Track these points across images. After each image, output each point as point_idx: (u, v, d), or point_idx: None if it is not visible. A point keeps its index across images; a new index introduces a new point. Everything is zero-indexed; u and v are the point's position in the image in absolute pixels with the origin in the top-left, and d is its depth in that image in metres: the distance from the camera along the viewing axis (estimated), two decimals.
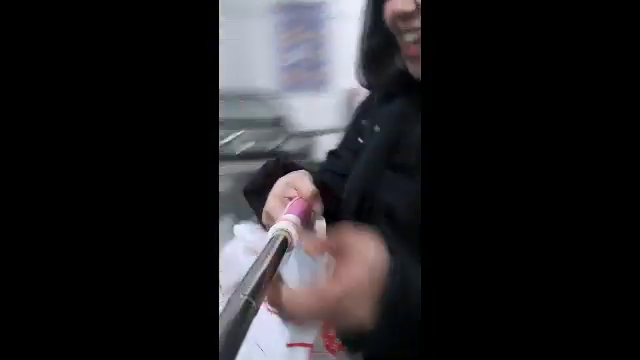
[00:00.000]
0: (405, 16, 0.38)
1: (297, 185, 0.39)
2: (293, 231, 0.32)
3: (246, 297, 0.22)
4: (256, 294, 0.23)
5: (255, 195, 0.46)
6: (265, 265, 0.26)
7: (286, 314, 0.26)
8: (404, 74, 0.43)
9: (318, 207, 0.38)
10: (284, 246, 0.30)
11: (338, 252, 0.29)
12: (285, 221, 0.33)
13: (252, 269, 0.25)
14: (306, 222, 0.36)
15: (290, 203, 0.37)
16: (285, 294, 0.26)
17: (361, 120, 0.53)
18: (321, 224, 0.40)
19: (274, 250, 0.29)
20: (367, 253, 0.29)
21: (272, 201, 0.39)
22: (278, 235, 0.31)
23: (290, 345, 0.37)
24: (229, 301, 0.22)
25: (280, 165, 0.45)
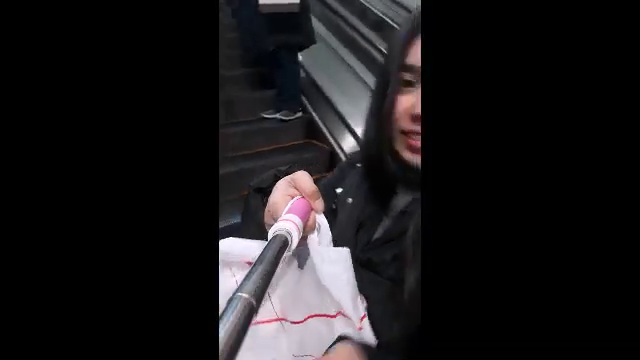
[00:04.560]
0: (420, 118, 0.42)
1: (298, 183, 0.40)
2: (294, 231, 0.32)
3: (246, 297, 0.22)
4: (256, 294, 0.23)
5: (259, 194, 0.48)
6: (265, 265, 0.26)
7: None
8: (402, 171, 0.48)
9: (319, 206, 0.39)
10: (284, 246, 0.30)
11: None
12: (286, 221, 0.33)
13: (252, 269, 0.25)
14: (306, 221, 0.36)
15: (291, 203, 0.37)
16: None
17: (335, 188, 0.57)
18: (323, 222, 0.40)
19: (274, 250, 0.29)
20: None
21: (275, 196, 0.40)
22: (278, 235, 0.31)
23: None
24: (229, 301, 0.22)
25: (290, 173, 0.46)
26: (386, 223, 0.49)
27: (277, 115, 2.61)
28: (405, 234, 0.43)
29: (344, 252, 0.39)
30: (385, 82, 0.47)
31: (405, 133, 0.46)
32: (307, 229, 0.37)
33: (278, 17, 2.29)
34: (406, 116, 0.45)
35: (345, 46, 2.57)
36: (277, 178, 0.43)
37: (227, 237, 0.41)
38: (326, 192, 0.54)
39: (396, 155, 0.48)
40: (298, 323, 0.38)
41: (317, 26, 2.73)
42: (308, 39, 2.51)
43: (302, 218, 0.35)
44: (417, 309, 0.29)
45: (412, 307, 0.34)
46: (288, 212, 0.35)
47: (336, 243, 0.41)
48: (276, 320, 0.39)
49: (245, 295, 0.22)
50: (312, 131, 2.67)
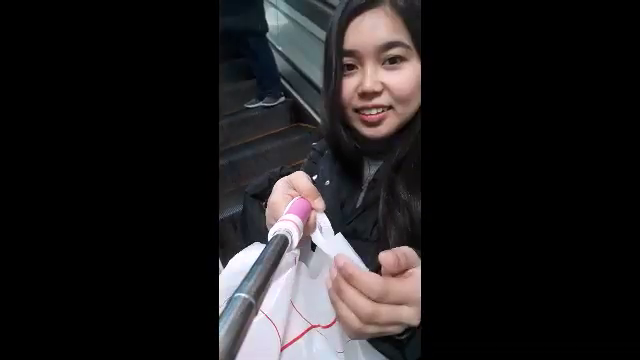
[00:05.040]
0: (372, 95, 0.45)
1: (295, 183, 0.41)
2: (294, 231, 0.32)
3: (246, 297, 0.22)
4: (256, 294, 0.23)
5: (256, 198, 0.50)
6: (265, 265, 0.26)
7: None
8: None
9: (319, 205, 0.40)
10: (284, 246, 0.30)
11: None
12: (286, 221, 0.33)
13: (252, 269, 0.25)
14: (307, 221, 0.37)
15: (291, 203, 0.38)
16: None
17: (311, 177, 0.59)
18: (323, 220, 0.40)
19: (274, 250, 0.29)
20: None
21: (274, 197, 0.41)
22: (279, 235, 0.31)
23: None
24: (229, 301, 0.22)
25: (283, 174, 0.47)
26: (362, 194, 0.52)
27: (260, 103, 2.60)
28: (379, 199, 0.46)
29: (339, 238, 0.39)
30: (329, 67, 0.48)
31: (357, 110, 0.48)
32: (307, 229, 0.38)
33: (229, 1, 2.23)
34: (355, 95, 0.47)
35: (321, 27, 2.54)
36: (272, 181, 0.44)
37: (226, 228, 0.41)
38: None
39: (354, 132, 0.51)
40: (329, 326, 0.39)
41: (293, 13, 2.70)
42: (262, 24, 2.45)
43: (302, 218, 0.35)
44: None
45: None
46: (288, 212, 0.36)
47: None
48: (309, 329, 0.40)
49: (245, 295, 0.22)
50: (298, 114, 2.65)
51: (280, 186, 0.42)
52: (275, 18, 2.87)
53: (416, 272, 0.32)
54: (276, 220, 0.35)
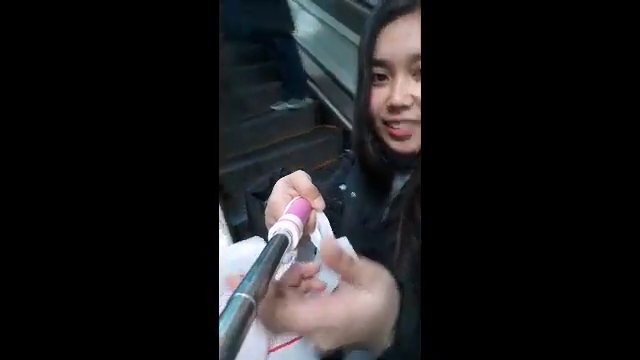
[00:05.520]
0: (402, 108, 0.43)
1: (295, 182, 0.40)
2: (294, 231, 0.32)
3: (246, 297, 0.22)
4: (256, 294, 0.23)
5: (257, 198, 0.50)
6: (265, 265, 0.26)
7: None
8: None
9: (318, 204, 0.39)
10: (284, 246, 0.30)
11: (352, 276, 0.28)
12: (286, 221, 0.33)
13: (252, 269, 0.25)
14: (307, 221, 0.37)
15: (291, 202, 0.38)
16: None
17: (339, 185, 0.57)
18: (323, 221, 0.40)
19: (274, 250, 0.28)
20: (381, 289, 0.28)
21: (274, 197, 0.40)
22: (279, 235, 0.31)
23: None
24: (229, 301, 0.22)
25: (284, 175, 0.46)
26: (387, 209, 0.50)
27: (286, 104, 2.59)
28: (399, 219, 0.44)
29: (344, 242, 0.39)
30: (360, 77, 0.47)
31: (386, 123, 0.46)
32: (307, 229, 0.37)
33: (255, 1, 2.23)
34: (384, 107, 0.45)
35: (353, 30, 2.51)
36: (273, 181, 0.44)
37: (246, 232, 0.42)
38: (333, 190, 0.57)
39: (383, 144, 0.49)
40: None
41: (322, 14, 2.68)
42: (288, 24, 2.43)
43: (302, 218, 0.35)
44: (407, 301, 0.29)
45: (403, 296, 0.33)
46: (288, 212, 0.35)
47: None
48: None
49: (245, 295, 0.22)
50: (324, 116, 2.64)
51: (280, 186, 0.41)
52: (305, 21, 2.85)
53: (348, 294, 0.27)
54: (275, 220, 0.35)
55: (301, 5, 2.93)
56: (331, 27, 2.57)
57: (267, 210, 0.41)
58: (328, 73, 2.64)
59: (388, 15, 0.43)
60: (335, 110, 2.53)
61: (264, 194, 0.48)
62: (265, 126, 2.53)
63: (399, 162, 0.49)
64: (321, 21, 2.72)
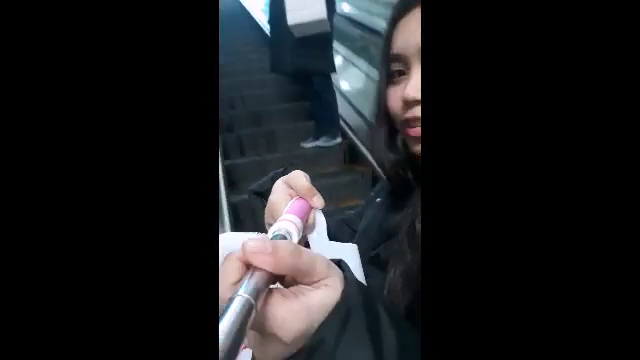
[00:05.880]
0: (415, 103, 0.40)
1: (293, 182, 0.40)
2: (293, 231, 0.32)
3: (246, 297, 0.22)
4: (256, 294, 0.22)
5: (259, 196, 0.49)
6: None
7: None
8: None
9: (317, 202, 0.39)
10: None
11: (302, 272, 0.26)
12: (285, 221, 0.33)
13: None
14: (306, 221, 0.37)
15: (291, 203, 0.38)
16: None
17: (377, 198, 0.57)
18: (320, 219, 0.40)
19: None
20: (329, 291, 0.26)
21: (274, 197, 0.41)
22: (278, 235, 0.31)
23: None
24: (229, 301, 0.22)
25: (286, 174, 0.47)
26: (397, 218, 0.48)
27: (317, 143, 2.56)
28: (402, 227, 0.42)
29: (350, 248, 0.39)
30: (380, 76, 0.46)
31: (405, 122, 0.43)
32: (307, 229, 0.37)
33: (305, 40, 2.28)
34: (400, 104, 0.43)
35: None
36: (274, 180, 0.44)
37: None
38: (369, 200, 0.58)
39: (407, 149, 0.46)
40: None
41: (353, 58, 2.74)
42: (329, 65, 2.46)
43: (302, 218, 0.35)
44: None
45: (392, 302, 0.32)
46: (288, 212, 0.36)
47: (357, 241, 0.41)
48: None
49: (245, 295, 0.22)
50: (353, 156, 2.60)
51: (280, 185, 0.41)
52: (354, 76, 2.91)
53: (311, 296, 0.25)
54: (275, 219, 0.35)
55: (351, 62, 3.01)
56: (374, 80, 2.59)
57: (267, 210, 0.41)
58: (361, 115, 2.63)
59: (404, 8, 0.41)
60: (365, 151, 2.46)
61: (266, 193, 0.47)
62: (292, 160, 2.49)
63: (413, 165, 0.46)
64: (367, 75, 2.75)
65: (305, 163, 2.50)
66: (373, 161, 2.36)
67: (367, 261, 0.40)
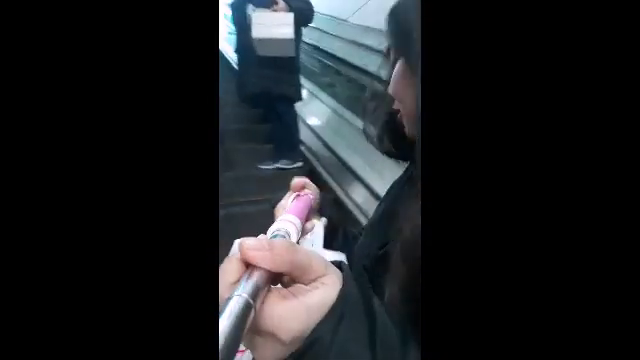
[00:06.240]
0: None
1: (291, 183, 0.44)
2: (292, 231, 0.33)
3: (245, 297, 0.22)
4: (255, 294, 0.23)
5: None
6: None
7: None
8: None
9: (312, 193, 0.41)
10: None
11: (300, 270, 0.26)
12: (285, 221, 0.34)
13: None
14: (306, 221, 0.38)
15: (290, 203, 0.40)
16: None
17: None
18: (319, 231, 0.41)
19: None
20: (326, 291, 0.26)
21: (282, 201, 0.43)
22: (278, 236, 0.32)
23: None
24: (229, 301, 0.22)
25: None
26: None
27: (276, 165, 2.44)
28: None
29: (339, 257, 0.40)
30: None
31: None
32: (305, 230, 0.38)
33: (270, 61, 2.23)
34: None
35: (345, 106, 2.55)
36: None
37: None
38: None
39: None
40: None
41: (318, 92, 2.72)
42: (297, 92, 2.41)
43: (302, 219, 0.36)
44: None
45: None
46: (288, 212, 0.36)
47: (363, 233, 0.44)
48: None
49: (244, 295, 0.22)
50: (314, 181, 2.45)
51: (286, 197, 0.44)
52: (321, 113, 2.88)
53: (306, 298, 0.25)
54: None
55: (318, 98, 2.99)
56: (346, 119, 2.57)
57: (275, 213, 0.43)
58: (322, 141, 2.57)
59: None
60: (325, 175, 2.37)
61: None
62: (246, 180, 2.35)
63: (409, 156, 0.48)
64: (333, 111, 2.73)
65: (261, 185, 2.36)
66: (334, 186, 2.27)
67: (374, 259, 0.40)
